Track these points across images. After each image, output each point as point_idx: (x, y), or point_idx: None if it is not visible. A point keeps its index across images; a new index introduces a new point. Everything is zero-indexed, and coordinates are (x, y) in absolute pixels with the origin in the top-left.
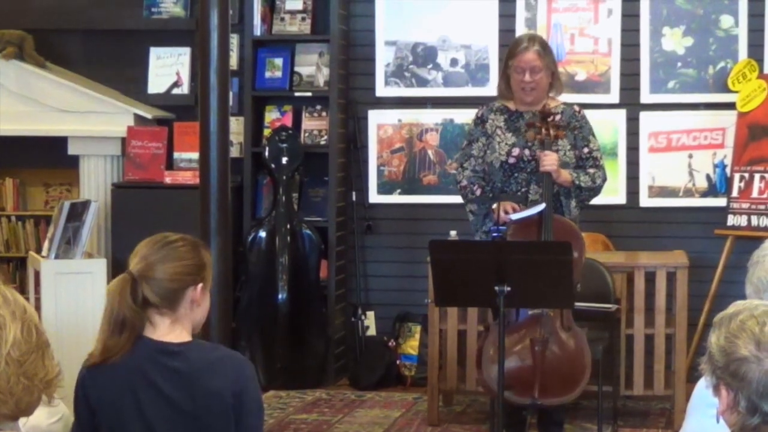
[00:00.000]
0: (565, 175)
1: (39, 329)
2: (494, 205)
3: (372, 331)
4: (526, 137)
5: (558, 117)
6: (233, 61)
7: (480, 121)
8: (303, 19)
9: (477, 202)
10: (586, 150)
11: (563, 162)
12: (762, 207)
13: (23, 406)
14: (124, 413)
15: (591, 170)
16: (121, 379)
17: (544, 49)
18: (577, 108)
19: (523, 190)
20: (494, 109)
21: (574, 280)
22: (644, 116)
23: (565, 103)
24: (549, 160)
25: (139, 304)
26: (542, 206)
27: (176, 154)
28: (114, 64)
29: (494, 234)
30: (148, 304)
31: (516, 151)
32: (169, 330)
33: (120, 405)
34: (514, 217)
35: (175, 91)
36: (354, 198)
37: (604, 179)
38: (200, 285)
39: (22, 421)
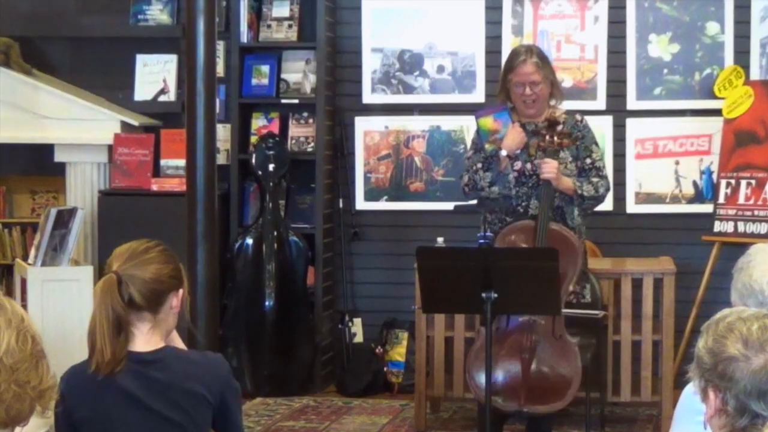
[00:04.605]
0: (567, 183)
1: (35, 339)
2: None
3: (359, 338)
4: (529, 145)
5: (561, 126)
6: (220, 68)
7: None
8: (290, 26)
9: (488, 177)
10: (588, 161)
11: (564, 173)
12: (748, 213)
13: (13, 413)
14: (108, 428)
15: (594, 179)
16: (103, 395)
17: (542, 60)
18: (579, 117)
19: (523, 204)
20: None
21: (568, 287)
22: (631, 123)
23: (567, 112)
24: (548, 168)
25: (126, 304)
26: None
27: (163, 161)
28: (101, 71)
29: (481, 241)
30: (132, 307)
31: (517, 165)
32: (147, 338)
33: (103, 420)
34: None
35: (162, 98)
36: (341, 205)
37: (608, 188)
38: (181, 291)
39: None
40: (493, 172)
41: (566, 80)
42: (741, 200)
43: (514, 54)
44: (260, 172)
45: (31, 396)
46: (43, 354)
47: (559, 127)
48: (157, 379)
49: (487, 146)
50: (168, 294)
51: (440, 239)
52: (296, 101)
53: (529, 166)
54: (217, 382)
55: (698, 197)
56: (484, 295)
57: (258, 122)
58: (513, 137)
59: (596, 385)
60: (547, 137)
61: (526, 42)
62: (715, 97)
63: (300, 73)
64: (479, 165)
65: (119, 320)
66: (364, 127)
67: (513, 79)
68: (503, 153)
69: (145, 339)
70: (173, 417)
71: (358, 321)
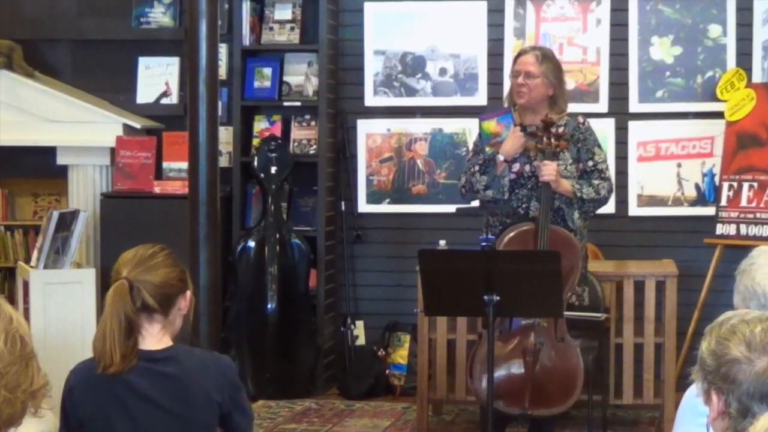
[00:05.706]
0: (566, 186)
1: (24, 340)
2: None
3: (361, 341)
4: (527, 147)
5: (561, 129)
6: (222, 71)
7: None
8: (292, 28)
9: (484, 180)
10: (590, 163)
11: (564, 175)
12: (751, 216)
13: (5, 417)
14: (116, 425)
15: (596, 181)
16: (110, 392)
17: (546, 58)
18: (581, 119)
19: (523, 206)
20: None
21: (571, 288)
22: (633, 125)
23: (569, 114)
24: (548, 170)
25: (138, 308)
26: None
27: (165, 164)
28: (103, 73)
29: (483, 243)
30: (144, 310)
31: (516, 167)
32: (158, 338)
33: (110, 417)
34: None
35: (164, 100)
36: (343, 207)
37: (610, 190)
38: (188, 293)
39: None
40: (489, 176)
41: (568, 83)
42: (743, 203)
43: (521, 49)
44: (262, 175)
45: (22, 399)
46: (33, 354)
47: (554, 129)
48: (167, 375)
49: (487, 149)
50: (177, 296)
51: (442, 242)
52: (298, 104)
53: (528, 167)
54: (225, 383)
55: (700, 200)
56: (486, 297)
57: (260, 125)
58: (512, 142)
59: (598, 387)
60: (545, 139)
61: (528, 44)
62: (717, 100)
63: (302, 75)
64: (476, 168)
65: (130, 324)
66: (367, 129)
67: (513, 69)
68: (500, 157)
69: (155, 339)
70: (180, 413)
71: (360, 324)
